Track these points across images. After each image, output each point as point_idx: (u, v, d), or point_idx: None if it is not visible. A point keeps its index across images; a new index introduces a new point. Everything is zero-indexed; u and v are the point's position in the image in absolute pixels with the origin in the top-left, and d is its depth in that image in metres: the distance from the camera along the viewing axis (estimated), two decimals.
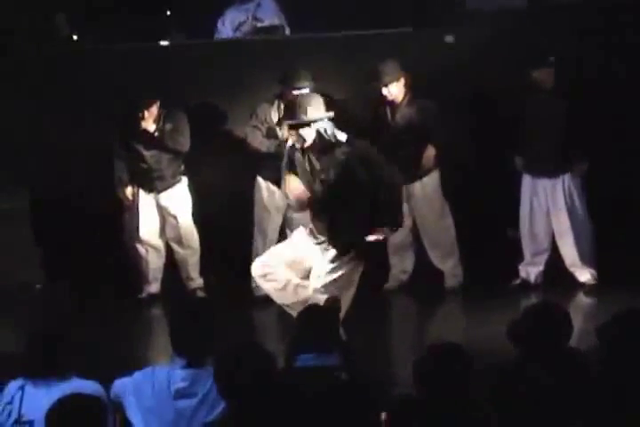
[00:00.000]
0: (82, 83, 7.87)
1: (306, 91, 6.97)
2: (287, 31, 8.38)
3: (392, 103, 7.38)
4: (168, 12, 8.43)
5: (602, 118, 7.27)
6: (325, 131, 5.79)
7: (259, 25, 8.40)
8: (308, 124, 5.78)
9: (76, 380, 4.14)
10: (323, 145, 5.81)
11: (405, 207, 7.48)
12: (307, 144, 5.84)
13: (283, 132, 7.02)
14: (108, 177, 7.59)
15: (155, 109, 7.42)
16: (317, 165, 5.86)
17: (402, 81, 7.32)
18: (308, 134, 5.81)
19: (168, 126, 7.44)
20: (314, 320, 4.44)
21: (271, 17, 8.39)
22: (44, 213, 7.96)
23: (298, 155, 5.92)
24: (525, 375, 3.55)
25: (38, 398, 4.03)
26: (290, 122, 5.88)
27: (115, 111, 7.59)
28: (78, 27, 8.37)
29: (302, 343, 4.29)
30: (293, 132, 5.86)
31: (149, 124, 7.43)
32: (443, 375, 3.70)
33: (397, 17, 8.03)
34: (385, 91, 7.31)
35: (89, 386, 4.10)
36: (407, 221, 7.51)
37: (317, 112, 5.81)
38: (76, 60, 8.09)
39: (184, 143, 7.48)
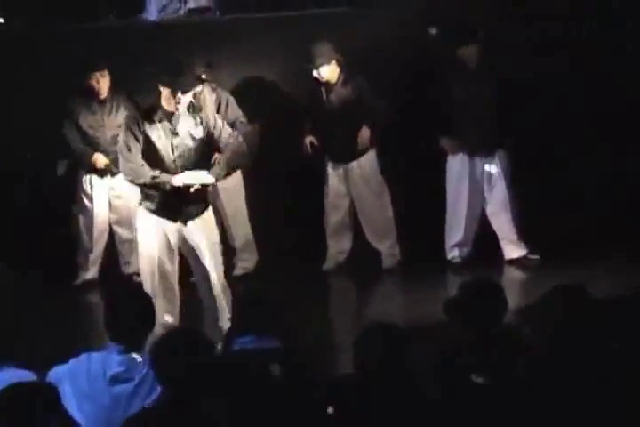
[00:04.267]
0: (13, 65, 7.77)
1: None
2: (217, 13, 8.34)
3: (326, 84, 7.39)
4: None
5: (529, 93, 7.33)
6: None
7: (191, 6, 8.33)
8: None
9: (8, 369, 4.08)
10: None
11: (343, 188, 7.52)
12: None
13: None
14: (51, 159, 7.52)
15: (108, 80, 7.39)
16: None
17: (333, 63, 7.33)
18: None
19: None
20: (252, 303, 4.42)
21: None
22: None
23: None
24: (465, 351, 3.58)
25: None
26: None
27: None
28: (6, 9, 8.23)
29: (241, 326, 4.27)
30: None
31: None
32: (382, 354, 3.72)
33: None
34: (316, 73, 7.33)
35: (22, 375, 4.03)
36: (344, 202, 7.55)
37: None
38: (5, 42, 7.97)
39: None
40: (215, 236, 6.14)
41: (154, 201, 5.92)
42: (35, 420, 3.30)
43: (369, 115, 7.38)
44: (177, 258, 6.02)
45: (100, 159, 7.47)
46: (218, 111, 7.28)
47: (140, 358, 4.01)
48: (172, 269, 5.99)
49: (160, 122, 5.88)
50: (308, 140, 7.55)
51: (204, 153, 5.98)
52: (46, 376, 4.11)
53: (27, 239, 7.63)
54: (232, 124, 7.15)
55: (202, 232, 5.99)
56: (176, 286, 6.03)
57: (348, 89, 7.38)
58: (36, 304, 7.02)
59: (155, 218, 5.95)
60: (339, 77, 7.38)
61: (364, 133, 7.40)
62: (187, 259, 6.07)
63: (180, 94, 5.81)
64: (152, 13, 8.33)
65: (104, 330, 4.16)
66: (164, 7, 8.34)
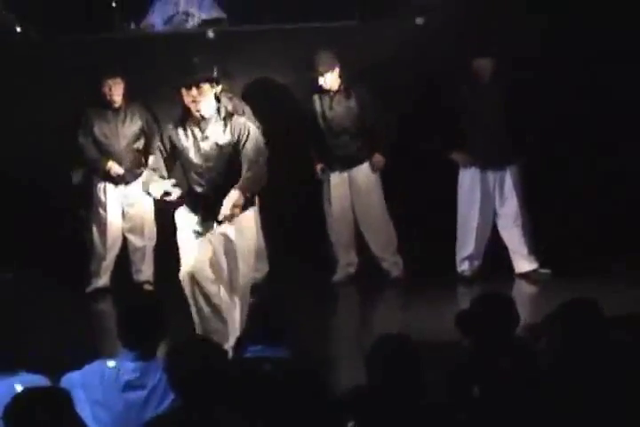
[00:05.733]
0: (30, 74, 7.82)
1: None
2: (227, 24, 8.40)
3: (328, 92, 7.46)
4: (113, 4, 8.37)
5: (542, 106, 7.36)
6: None
7: (202, 17, 8.39)
8: None
9: (23, 374, 4.10)
10: None
11: (347, 195, 7.55)
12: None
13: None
14: (67, 169, 7.57)
15: (121, 88, 7.41)
16: None
17: (336, 71, 7.41)
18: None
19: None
20: (263, 312, 4.44)
21: (207, 10, 8.39)
22: None
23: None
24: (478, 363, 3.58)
25: None
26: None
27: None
28: (23, 18, 8.28)
29: (253, 335, 4.29)
30: None
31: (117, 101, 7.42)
32: (393, 365, 3.73)
33: (342, 10, 8.06)
34: (321, 80, 7.40)
35: (36, 380, 4.05)
36: (348, 213, 7.59)
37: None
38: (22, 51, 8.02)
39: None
40: (248, 240, 6.06)
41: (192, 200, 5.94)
42: (48, 425, 3.32)
43: (369, 123, 7.45)
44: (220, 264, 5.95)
45: (114, 167, 7.50)
46: None
47: (153, 365, 4.03)
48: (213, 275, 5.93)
49: (188, 127, 5.90)
50: (320, 167, 7.58)
51: (231, 159, 5.93)
52: (59, 382, 4.13)
53: (40, 247, 7.67)
54: None
55: (236, 234, 5.94)
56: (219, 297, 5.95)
57: (349, 97, 7.47)
58: (50, 310, 7.02)
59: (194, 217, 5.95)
60: (340, 86, 7.45)
61: (378, 159, 7.47)
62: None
63: (195, 91, 5.78)
64: (157, 24, 8.41)
65: (117, 337, 4.17)
66: (169, 19, 8.42)
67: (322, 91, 7.48)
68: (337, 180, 7.59)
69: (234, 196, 5.79)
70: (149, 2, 8.47)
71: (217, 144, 5.89)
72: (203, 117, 5.87)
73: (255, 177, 5.88)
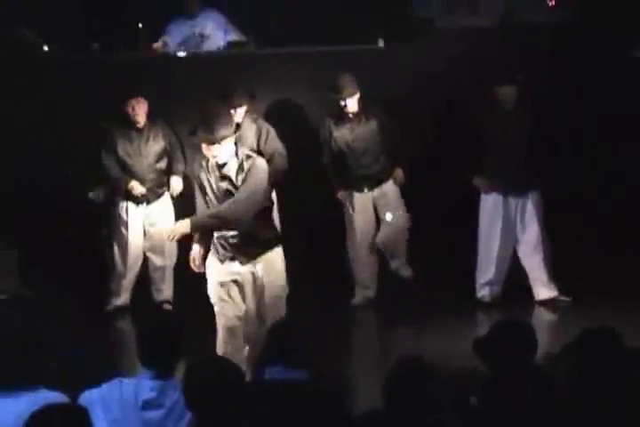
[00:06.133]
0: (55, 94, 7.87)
1: (241, 109, 7.28)
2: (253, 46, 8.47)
3: (348, 114, 7.51)
4: (140, 25, 8.45)
5: (564, 134, 7.38)
6: None
7: (229, 39, 8.47)
8: None
9: (42, 391, 4.11)
10: None
11: (372, 218, 7.55)
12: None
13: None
14: (87, 185, 7.61)
15: (144, 108, 7.45)
16: None
17: (358, 94, 7.44)
18: None
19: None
20: (282, 335, 4.44)
21: (231, 33, 8.47)
22: (15, 222, 7.93)
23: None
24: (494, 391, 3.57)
25: (4, 410, 3.99)
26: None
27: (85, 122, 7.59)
28: (49, 38, 8.37)
29: (271, 357, 4.29)
30: None
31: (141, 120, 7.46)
32: (411, 389, 3.73)
33: (369, 33, 8.11)
34: (343, 103, 7.44)
35: (55, 398, 4.06)
36: (371, 234, 7.60)
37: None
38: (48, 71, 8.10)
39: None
40: (277, 279, 5.92)
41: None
42: None
43: (390, 142, 7.50)
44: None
45: (137, 187, 7.54)
46: (258, 142, 7.38)
47: (171, 384, 4.03)
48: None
49: (210, 170, 5.80)
50: (341, 194, 7.62)
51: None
52: (78, 399, 4.15)
53: (61, 265, 7.69)
54: (270, 157, 7.27)
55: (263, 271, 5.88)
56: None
57: (370, 119, 7.52)
58: (70, 328, 7.05)
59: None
60: (361, 109, 7.49)
61: (398, 173, 7.52)
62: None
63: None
64: (171, 45, 8.48)
65: (135, 355, 4.19)
66: (184, 40, 8.49)
67: (341, 113, 7.52)
68: (361, 199, 7.61)
69: (183, 224, 5.71)
70: (165, 22, 8.55)
71: (233, 185, 5.80)
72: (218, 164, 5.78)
73: (226, 213, 5.68)
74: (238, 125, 7.35)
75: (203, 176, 5.84)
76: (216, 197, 5.82)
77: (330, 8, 8.34)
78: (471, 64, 7.74)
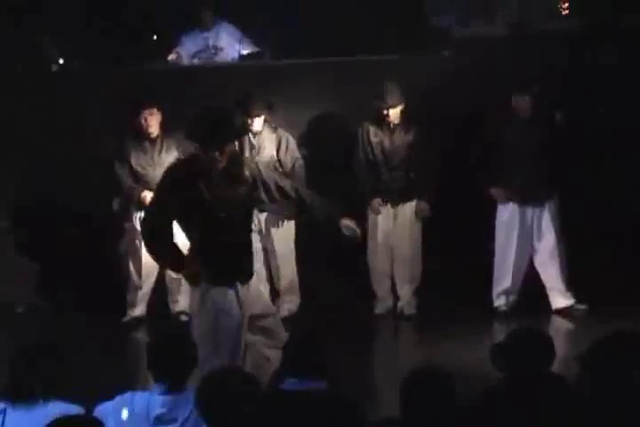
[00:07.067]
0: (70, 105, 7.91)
1: (259, 119, 7.28)
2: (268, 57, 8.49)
3: (388, 124, 7.47)
4: (155, 37, 8.48)
5: (581, 143, 7.35)
6: None
7: (243, 51, 8.49)
8: None
9: (57, 403, 4.11)
10: None
11: (392, 231, 7.52)
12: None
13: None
14: (103, 197, 7.63)
15: (157, 119, 7.47)
16: None
17: (402, 105, 7.40)
18: None
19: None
20: (300, 345, 4.43)
21: (245, 45, 8.48)
22: (29, 234, 7.95)
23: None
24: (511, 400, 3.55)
25: (20, 422, 4.00)
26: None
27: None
28: (65, 50, 8.42)
29: (289, 368, 4.28)
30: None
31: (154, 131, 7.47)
32: (427, 398, 3.71)
33: (385, 44, 8.11)
34: (386, 112, 7.40)
35: (70, 410, 4.06)
36: (388, 247, 7.58)
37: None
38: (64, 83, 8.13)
39: None
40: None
41: None
42: None
43: (421, 161, 7.44)
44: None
45: (149, 197, 7.55)
46: (278, 152, 7.39)
47: (183, 399, 4.00)
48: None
49: None
50: (376, 201, 7.54)
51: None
52: (93, 411, 4.14)
53: (79, 276, 7.72)
54: (292, 166, 7.28)
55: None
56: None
57: (409, 132, 7.47)
58: (86, 340, 7.05)
59: None
60: (401, 120, 7.45)
61: (421, 206, 7.48)
62: None
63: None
64: (184, 57, 8.51)
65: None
66: (198, 52, 8.52)
67: (381, 122, 7.48)
68: (385, 212, 7.57)
69: None
70: (178, 35, 8.58)
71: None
72: None
73: None
74: (256, 134, 7.38)
75: None
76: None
77: (344, 19, 8.34)
78: (486, 74, 7.72)
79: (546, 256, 7.44)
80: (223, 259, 5.23)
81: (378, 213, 7.55)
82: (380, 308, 7.67)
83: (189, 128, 5.48)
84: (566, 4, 8.35)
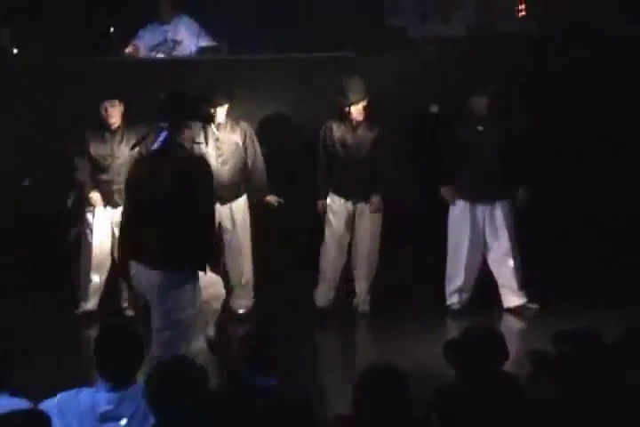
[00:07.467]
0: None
1: (222, 109, 7.34)
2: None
3: (350, 121, 7.45)
4: (111, 29, 8.43)
5: (537, 145, 7.40)
6: None
7: (201, 44, 8.46)
8: None
9: (6, 397, 4.05)
10: None
11: (349, 226, 7.54)
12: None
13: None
14: (55, 190, 7.57)
15: (118, 110, 7.44)
16: None
17: (365, 102, 7.40)
18: None
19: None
20: (254, 341, 4.42)
21: (204, 39, 8.45)
22: None
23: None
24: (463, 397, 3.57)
25: None
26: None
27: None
28: (20, 41, 8.33)
29: (244, 363, 4.27)
30: None
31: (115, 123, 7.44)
32: (380, 395, 3.72)
33: (340, 43, 8.11)
34: (347, 109, 7.40)
35: (18, 404, 4.00)
36: (345, 241, 7.59)
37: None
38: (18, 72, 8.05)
39: None
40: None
41: None
42: None
43: (381, 159, 7.45)
44: None
45: (95, 198, 7.50)
46: (244, 143, 7.38)
47: (129, 394, 3.94)
48: None
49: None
50: (321, 203, 7.58)
51: None
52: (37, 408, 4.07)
53: (33, 268, 7.66)
54: (254, 158, 7.39)
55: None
56: None
57: (372, 129, 7.46)
58: (36, 332, 7.00)
59: None
60: (364, 117, 7.45)
61: (375, 200, 7.47)
62: None
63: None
64: (143, 49, 8.47)
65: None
66: (156, 45, 8.49)
67: (344, 119, 7.46)
68: (343, 205, 7.56)
69: None
70: (137, 27, 8.53)
71: None
72: None
73: None
74: (219, 126, 7.38)
75: None
76: None
77: (302, 16, 8.34)
78: (443, 74, 7.75)
79: (499, 255, 7.48)
80: (183, 246, 5.35)
81: (322, 212, 7.56)
82: (324, 300, 7.62)
83: (160, 105, 5.66)
84: (522, 6, 8.40)
